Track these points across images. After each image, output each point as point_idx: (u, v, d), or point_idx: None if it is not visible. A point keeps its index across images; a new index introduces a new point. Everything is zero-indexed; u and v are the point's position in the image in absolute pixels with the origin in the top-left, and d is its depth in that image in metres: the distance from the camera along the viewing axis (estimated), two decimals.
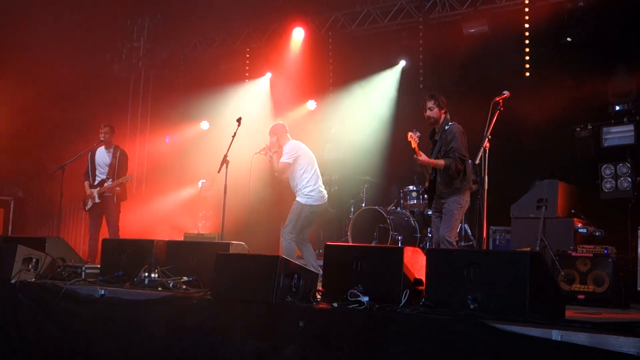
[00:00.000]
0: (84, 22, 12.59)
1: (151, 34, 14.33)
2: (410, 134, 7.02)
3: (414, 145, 7.01)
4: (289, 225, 8.02)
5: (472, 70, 10.28)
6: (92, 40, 13.33)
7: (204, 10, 13.11)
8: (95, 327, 5.82)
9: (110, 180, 9.73)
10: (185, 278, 6.07)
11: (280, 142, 8.28)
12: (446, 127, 7.00)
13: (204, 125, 13.49)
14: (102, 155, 9.94)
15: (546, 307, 4.48)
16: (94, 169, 9.91)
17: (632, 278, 7.57)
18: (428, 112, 7.07)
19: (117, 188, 9.72)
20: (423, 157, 6.84)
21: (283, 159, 8.15)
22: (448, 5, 10.88)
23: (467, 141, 6.93)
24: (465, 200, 6.92)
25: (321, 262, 6.83)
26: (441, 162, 6.77)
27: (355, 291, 4.90)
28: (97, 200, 9.70)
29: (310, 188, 8.09)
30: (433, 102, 7.06)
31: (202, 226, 12.64)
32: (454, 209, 6.86)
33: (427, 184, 7.14)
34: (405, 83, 11.39)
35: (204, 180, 12.98)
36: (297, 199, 8.14)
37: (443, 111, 7.09)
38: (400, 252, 5.06)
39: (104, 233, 9.71)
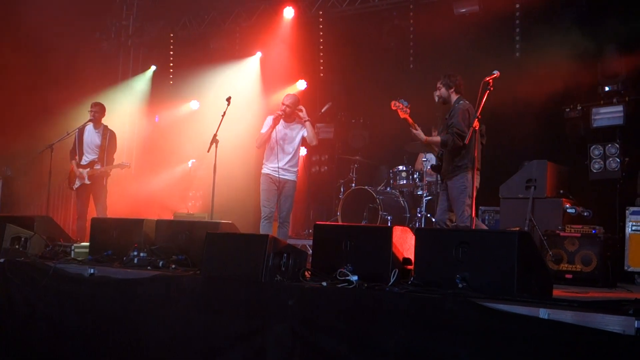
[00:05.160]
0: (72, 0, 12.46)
1: (140, 12, 14.22)
2: (393, 102, 6.98)
3: (402, 115, 6.97)
4: (290, 210, 8.10)
5: (462, 50, 10.25)
6: (81, 18, 13.20)
7: None
8: (84, 306, 5.83)
9: (99, 164, 9.65)
10: (174, 257, 6.07)
11: (293, 115, 8.20)
12: (456, 106, 6.99)
13: (194, 104, 13.44)
14: (91, 135, 9.85)
15: (534, 286, 4.51)
16: (81, 147, 9.82)
17: (619, 258, 7.63)
18: (436, 92, 7.09)
19: (109, 172, 9.70)
20: (417, 132, 6.82)
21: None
22: None
23: (469, 118, 6.79)
24: (468, 179, 6.75)
25: (311, 242, 6.85)
26: (437, 138, 6.74)
27: (344, 270, 4.92)
28: (86, 181, 9.63)
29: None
30: (440, 81, 7.07)
31: (192, 206, 12.63)
32: (458, 194, 6.80)
33: (436, 161, 7.16)
34: (396, 63, 11.36)
35: (194, 160, 12.96)
36: (293, 178, 8.20)
37: (452, 90, 7.07)
38: (389, 232, 5.08)
39: (92, 212, 9.68)
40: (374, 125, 11.50)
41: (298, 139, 8.22)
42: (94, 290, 5.86)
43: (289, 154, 8.17)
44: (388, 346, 4.21)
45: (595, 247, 7.11)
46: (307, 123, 8.13)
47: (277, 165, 8.11)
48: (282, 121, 8.16)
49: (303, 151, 8.39)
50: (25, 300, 6.25)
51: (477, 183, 6.74)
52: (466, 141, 6.44)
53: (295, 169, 8.25)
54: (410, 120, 7.14)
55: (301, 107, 8.18)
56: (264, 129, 8.16)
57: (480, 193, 6.63)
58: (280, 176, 8.11)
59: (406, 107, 6.99)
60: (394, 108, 7.13)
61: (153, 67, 14.21)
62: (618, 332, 3.57)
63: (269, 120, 8.12)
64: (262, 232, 7.99)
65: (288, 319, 4.64)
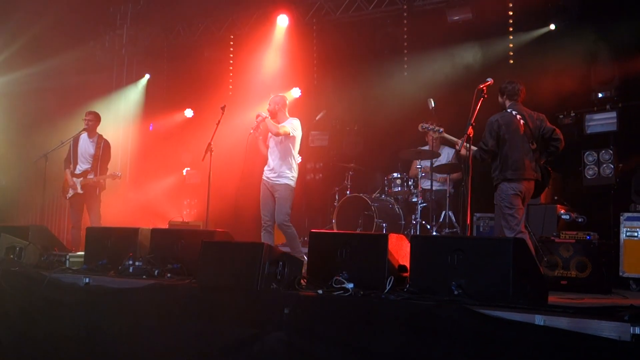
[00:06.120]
0: (66, 9, 12.45)
1: (134, 21, 14.19)
2: (420, 125, 7.10)
3: (435, 135, 7.17)
4: (284, 211, 7.86)
5: (456, 57, 10.29)
6: (75, 27, 13.20)
7: None
8: (79, 316, 5.81)
9: (93, 173, 9.61)
10: (170, 266, 6.07)
11: (277, 115, 8.06)
12: None
13: (188, 112, 13.43)
14: (85, 144, 9.81)
15: (529, 292, 4.52)
16: (75, 156, 9.78)
17: (614, 264, 7.65)
18: None
19: (102, 182, 9.67)
20: (459, 147, 6.86)
21: (286, 129, 7.91)
22: None
23: (497, 131, 6.78)
24: (503, 191, 6.74)
25: (306, 250, 6.84)
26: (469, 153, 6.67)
27: (340, 278, 4.93)
28: (79, 190, 9.59)
29: (296, 171, 8.07)
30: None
31: (187, 214, 12.62)
32: (498, 206, 6.80)
33: None
34: (389, 70, 11.37)
35: (188, 168, 12.96)
36: (284, 181, 7.96)
37: (504, 97, 7.05)
38: (384, 239, 5.09)
39: (86, 221, 9.65)
40: (368, 132, 11.52)
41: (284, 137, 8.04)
42: (89, 299, 5.85)
43: (277, 154, 8.04)
44: (384, 354, 4.21)
45: (590, 253, 7.11)
46: (267, 119, 7.90)
47: (269, 168, 8.09)
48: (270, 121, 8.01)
49: (298, 158, 8.31)
50: (20, 310, 6.23)
51: (511, 191, 6.73)
52: (460, 149, 6.49)
53: (288, 172, 7.98)
54: (448, 136, 7.26)
55: (262, 113, 7.95)
56: (261, 146, 8.21)
57: (474, 200, 6.62)
58: (271, 181, 8.02)
59: (437, 127, 7.12)
60: (421, 130, 7.41)
61: (147, 76, 14.21)
62: (613, 338, 3.58)
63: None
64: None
65: (284, 327, 4.64)
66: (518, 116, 6.85)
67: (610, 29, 9.10)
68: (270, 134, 8.09)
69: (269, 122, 7.92)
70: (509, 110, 6.92)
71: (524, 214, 6.82)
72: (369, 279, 4.97)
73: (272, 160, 8.09)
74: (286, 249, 7.43)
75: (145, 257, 6.22)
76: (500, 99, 7.09)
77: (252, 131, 7.98)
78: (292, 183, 8.03)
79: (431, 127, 7.20)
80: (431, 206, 9.26)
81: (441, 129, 7.17)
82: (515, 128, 6.80)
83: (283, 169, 8.00)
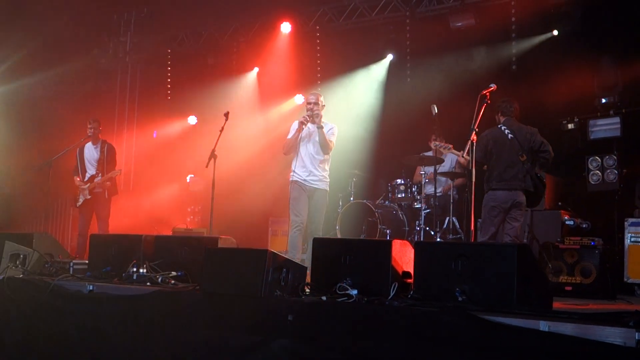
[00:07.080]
0: (71, 17, 12.49)
1: (138, 28, 14.25)
2: (432, 143, 8.02)
3: (446, 152, 7.85)
4: (322, 219, 7.76)
5: (459, 63, 10.29)
6: (79, 34, 13.25)
7: (191, 5, 13.05)
8: (83, 323, 5.80)
9: (99, 176, 9.71)
10: (173, 273, 6.06)
11: (318, 118, 7.82)
12: None
13: (192, 120, 13.46)
14: (90, 151, 9.94)
15: (534, 298, 4.51)
16: (82, 164, 9.90)
17: (618, 269, 7.63)
18: None
19: (107, 183, 9.71)
20: (461, 154, 7.29)
21: (332, 138, 7.83)
22: None
23: (485, 145, 7.32)
24: (484, 199, 7.29)
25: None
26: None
27: (343, 284, 4.92)
28: (87, 196, 9.67)
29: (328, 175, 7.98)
30: None
31: (191, 221, 12.63)
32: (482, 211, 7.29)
33: None
34: (393, 77, 11.39)
35: (192, 175, 12.97)
36: (325, 187, 7.88)
37: (498, 114, 7.54)
38: (388, 245, 5.07)
39: (93, 230, 9.67)
40: (372, 138, 11.51)
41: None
42: (93, 306, 5.84)
43: (317, 158, 7.87)
44: None
45: (595, 259, 7.10)
46: (320, 130, 7.76)
47: (306, 171, 7.86)
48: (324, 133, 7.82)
49: None
50: (23, 318, 6.22)
51: (492, 202, 7.21)
52: (465, 154, 6.55)
53: (326, 178, 7.91)
54: (455, 152, 7.82)
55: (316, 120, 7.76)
56: (290, 134, 7.94)
57: (478, 206, 6.66)
58: (309, 184, 7.81)
59: (447, 144, 7.65)
60: (433, 147, 8.07)
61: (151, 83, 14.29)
62: (619, 344, 3.57)
63: (295, 124, 7.85)
64: (290, 242, 7.73)
65: (288, 334, 4.63)
66: (507, 131, 7.26)
67: (613, 35, 9.10)
68: (303, 138, 7.91)
69: (323, 135, 7.75)
70: (499, 126, 7.34)
71: (494, 227, 7.20)
72: (373, 286, 4.96)
73: (311, 163, 7.86)
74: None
75: (149, 264, 6.22)
76: (495, 117, 7.50)
77: (302, 119, 7.84)
78: (328, 189, 8.01)
79: (441, 144, 7.71)
80: (435, 212, 9.26)
81: (449, 146, 7.66)
82: (503, 142, 7.25)
83: (324, 174, 7.91)
